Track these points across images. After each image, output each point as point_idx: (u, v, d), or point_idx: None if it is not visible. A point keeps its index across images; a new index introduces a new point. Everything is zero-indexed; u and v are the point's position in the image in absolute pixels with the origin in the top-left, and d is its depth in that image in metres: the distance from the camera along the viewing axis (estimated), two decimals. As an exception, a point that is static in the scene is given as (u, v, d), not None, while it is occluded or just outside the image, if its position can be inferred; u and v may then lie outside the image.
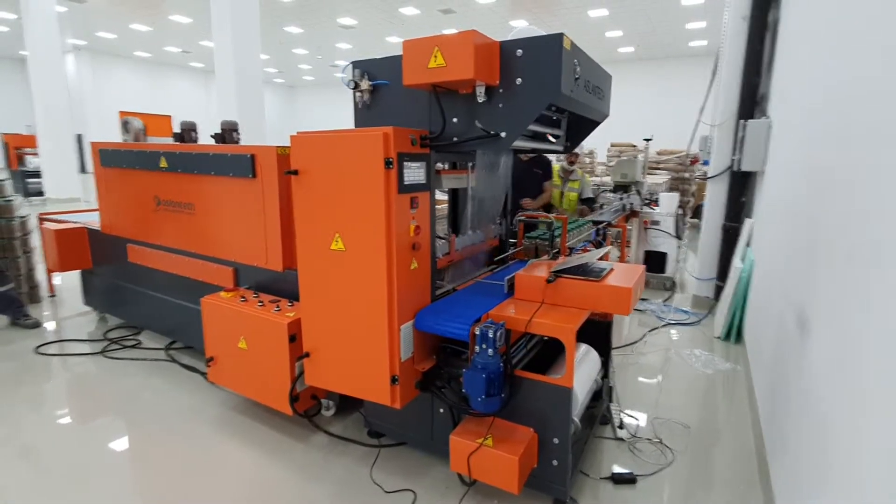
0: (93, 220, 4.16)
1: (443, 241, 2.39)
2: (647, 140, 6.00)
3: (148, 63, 22.44)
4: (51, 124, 11.70)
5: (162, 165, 3.17)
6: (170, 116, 22.62)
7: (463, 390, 1.93)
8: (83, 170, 17.21)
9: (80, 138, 17.70)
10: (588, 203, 4.99)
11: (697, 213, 8.32)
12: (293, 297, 2.67)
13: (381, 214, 1.85)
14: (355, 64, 2.18)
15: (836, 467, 1.36)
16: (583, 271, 2.13)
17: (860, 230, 1.40)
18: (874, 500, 1.10)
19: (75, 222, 4.18)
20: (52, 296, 4.79)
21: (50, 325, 4.15)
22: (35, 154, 12.36)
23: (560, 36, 1.73)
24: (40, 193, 11.93)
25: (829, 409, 1.49)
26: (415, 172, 1.94)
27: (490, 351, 1.84)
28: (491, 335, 1.82)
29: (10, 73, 21.77)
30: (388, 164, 1.82)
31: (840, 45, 1.99)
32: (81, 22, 15.86)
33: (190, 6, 13.72)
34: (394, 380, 1.99)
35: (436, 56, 1.77)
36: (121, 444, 2.54)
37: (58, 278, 4.97)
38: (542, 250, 2.76)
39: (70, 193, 12.09)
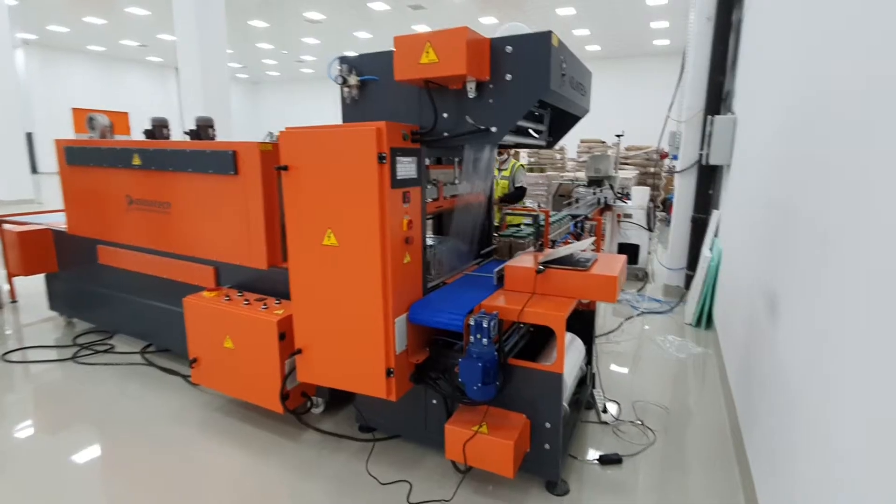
0: (56, 222, 3.98)
1: (432, 187, 2.41)
2: (619, 136, 6.18)
3: (103, 58, 21.44)
4: (2, 123, 11.05)
5: (135, 163, 3.07)
6: (127, 113, 21.71)
7: (459, 380, 1.97)
8: (34, 170, 16.33)
9: (30, 137, 16.77)
10: (518, 192, 4.78)
11: (665, 206, 8.63)
12: (278, 295, 2.64)
13: (374, 209, 1.87)
14: (342, 59, 2.18)
15: (804, 435, 1.47)
16: (570, 262, 2.20)
17: (828, 217, 1.52)
18: (837, 462, 1.20)
19: (38, 224, 3.99)
20: (14, 301, 4.56)
21: (15, 332, 3.95)
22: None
23: (548, 34, 1.79)
24: (-9, 195, 11.25)
25: (796, 382, 1.60)
26: (407, 167, 1.96)
27: (485, 340, 1.88)
28: (485, 325, 1.87)
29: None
30: (381, 159, 1.84)
31: (801, 45, 2.12)
32: (31, 15, 15.01)
33: (148, -2, 13.18)
34: (389, 373, 2.01)
35: (427, 52, 1.80)
36: (102, 452, 2.46)
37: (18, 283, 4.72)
38: (517, 248, 2.75)
39: (22, 195, 11.45)
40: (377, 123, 1.83)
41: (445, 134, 2.02)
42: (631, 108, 17.54)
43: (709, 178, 4.56)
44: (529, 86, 1.84)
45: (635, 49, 17.64)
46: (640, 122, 12.13)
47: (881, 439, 1.04)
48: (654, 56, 17.98)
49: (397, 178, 1.91)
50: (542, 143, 2.74)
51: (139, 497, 2.14)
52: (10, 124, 11.24)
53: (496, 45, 1.86)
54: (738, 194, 3.50)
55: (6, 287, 4.56)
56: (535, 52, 1.80)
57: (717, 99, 4.35)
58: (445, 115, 2.01)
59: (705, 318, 4.10)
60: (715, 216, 4.39)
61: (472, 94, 1.89)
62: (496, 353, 1.94)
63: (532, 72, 1.82)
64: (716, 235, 4.27)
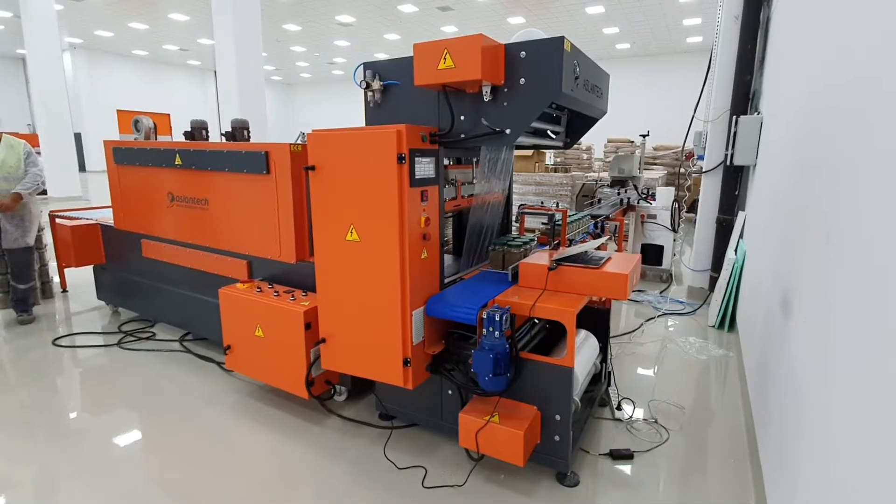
0: (103, 217, 4.28)
1: (450, 186, 2.47)
2: (644, 136, 6.14)
3: (145, 61, 22.47)
4: (51, 123, 11.77)
5: (176, 163, 3.29)
6: (168, 115, 22.67)
7: (471, 371, 2.07)
8: (82, 168, 17.29)
9: (78, 137, 17.77)
10: None
11: (694, 207, 8.46)
12: (306, 287, 2.80)
13: (394, 207, 1.98)
14: (366, 65, 2.30)
15: (807, 434, 1.50)
16: (582, 259, 2.26)
17: (833, 217, 1.54)
18: (833, 463, 1.24)
19: (87, 219, 4.30)
20: (65, 291, 4.91)
21: (65, 319, 4.27)
22: (36, 153, 12.43)
23: (561, 39, 1.86)
24: (43, 192, 11.97)
25: (803, 382, 1.63)
26: (425, 167, 2.07)
27: (497, 333, 1.97)
28: (497, 318, 1.96)
29: (9, 72, 21.77)
30: (400, 159, 1.95)
31: (823, 47, 2.12)
32: (79, 20, 15.89)
33: (188, 4, 13.76)
34: (406, 362, 2.12)
35: (445, 58, 1.90)
36: (144, 430, 2.67)
37: (69, 273, 5.07)
38: (510, 259, 2.54)
39: (71, 192, 12.17)
40: (397, 126, 1.94)
41: (462, 136, 2.12)
42: (663, 106, 17.24)
43: (735, 179, 4.50)
44: (542, 89, 1.91)
45: (667, 46, 17.31)
46: (671, 121, 11.92)
47: (874, 441, 1.07)
48: (687, 53, 17.60)
49: (416, 178, 2.02)
50: (560, 143, 2.80)
51: (177, 472, 2.32)
52: (61, 125, 11.96)
53: (511, 50, 1.95)
54: (762, 195, 3.46)
55: (58, 278, 4.91)
56: (548, 56, 1.88)
57: (745, 98, 4.29)
58: (462, 117, 2.10)
59: (728, 321, 4.06)
60: (741, 217, 4.33)
61: (487, 98, 1.98)
62: (508, 345, 2.02)
63: (544, 75, 1.90)
64: (741, 237, 4.22)
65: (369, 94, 2.31)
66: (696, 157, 5.68)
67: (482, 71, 1.85)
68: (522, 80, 1.94)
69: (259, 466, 2.36)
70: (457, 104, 2.09)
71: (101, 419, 2.76)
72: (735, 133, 4.01)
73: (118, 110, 21.31)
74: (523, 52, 1.93)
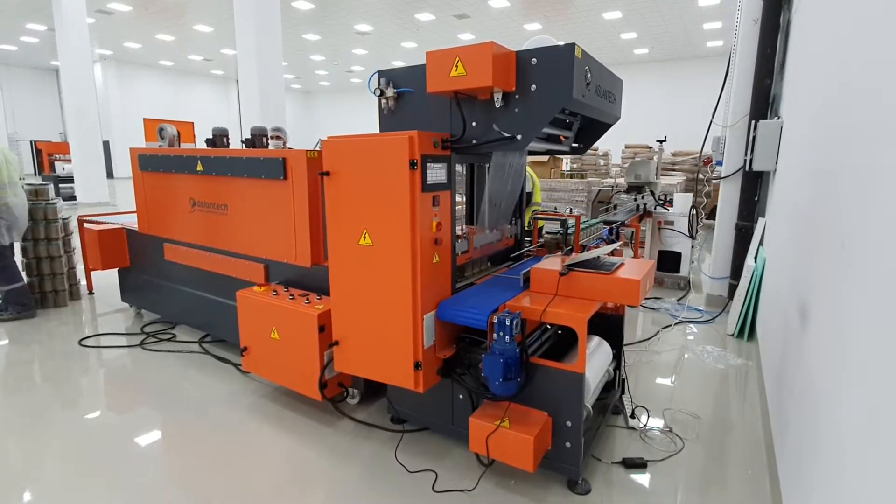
0: (129, 222, 4.41)
1: (462, 238, 2.53)
2: (661, 141, 6.07)
3: (171, 71, 23.15)
4: (82, 132, 12.20)
5: (198, 169, 3.38)
6: (192, 123, 23.26)
7: (482, 375, 2.07)
8: (110, 175, 17.87)
9: (107, 145, 18.36)
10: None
11: (714, 213, 8.31)
12: (321, 291, 2.84)
13: (406, 212, 2.01)
14: (380, 73, 2.35)
15: (825, 445, 1.47)
16: (594, 265, 2.25)
17: (851, 223, 1.51)
18: (852, 474, 1.21)
19: (113, 223, 4.44)
20: (91, 293, 5.07)
21: (91, 320, 4.42)
22: (66, 160, 12.92)
23: (572, 46, 1.87)
24: (73, 198, 12.43)
25: (819, 390, 1.59)
26: (437, 173, 2.10)
27: (507, 338, 1.98)
28: (508, 323, 1.96)
29: (43, 83, 22.69)
30: (412, 165, 1.98)
31: (841, 51, 2.08)
32: (109, 33, 16.48)
33: (212, 16, 14.17)
34: (417, 366, 2.14)
35: (457, 66, 1.93)
36: (163, 429, 2.74)
37: (95, 276, 5.23)
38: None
39: (100, 198, 12.57)
40: (409, 132, 1.97)
41: (474, 141, 2.14)
42: (682, 111, 17.03)
43: (754, 185, 4.42)
44: (553, 95, 1.93)
45: (686, 51, 17.12)
46: (691, 126, 11.77)
47: (890, 455, 1.04)
48: (706, 58, 17.37)
49: (427, 183, 2.04)
50: (569, 149, 2.80)
51: (194, 471, 2.37)
52: (91, 133, 12.39)
53: (522, 57, 1.97)
54: (781, 201, 3.40)
55: (85, 280, 5.08)
56: (559, 63, 1.89)
57: (764, 103, 4.22)
58: (474, 123, 2.13)
59: (748, 329, 3.97)
60: (760, 224, 4.25)
61: (498, 104, 2.00)
62: (518, 350, 2.02)
63: (555, 82, 1.91)
64: (761, 244, 4.14)
65: (383, 101, 2.35)
66: (714, 162, 5.60)
67: (493, 78, 1.88)
68: (534, 86, 1.96)
69: (272, 467, 2.39)
70: (468, 111, 2.12)
71: (122, 418, 2.84)
72: (754, 138, 3.95)
73: (145, 119, 21.98)
74: (534, 59, 1.94)
